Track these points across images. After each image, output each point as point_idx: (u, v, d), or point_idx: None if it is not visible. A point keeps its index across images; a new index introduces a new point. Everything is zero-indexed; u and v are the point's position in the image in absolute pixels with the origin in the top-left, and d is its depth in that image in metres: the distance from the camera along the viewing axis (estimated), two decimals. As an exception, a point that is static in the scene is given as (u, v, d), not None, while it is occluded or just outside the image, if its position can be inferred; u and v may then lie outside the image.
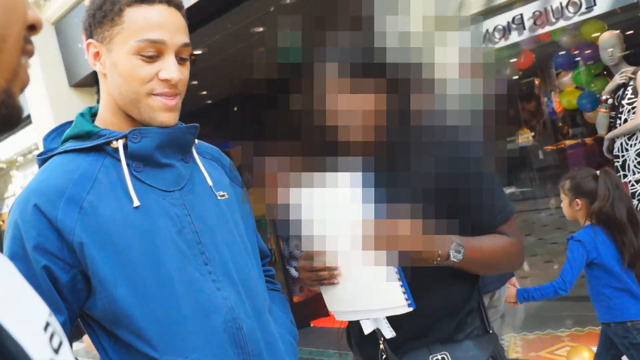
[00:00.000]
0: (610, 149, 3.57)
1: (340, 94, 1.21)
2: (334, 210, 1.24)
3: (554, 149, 9.26)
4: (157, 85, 1.20)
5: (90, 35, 1.26)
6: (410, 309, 1.24)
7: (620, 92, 3.52)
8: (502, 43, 4.38)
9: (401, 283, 1.23)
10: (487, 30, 4.53)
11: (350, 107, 1.21)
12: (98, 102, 5.04)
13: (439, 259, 1.24)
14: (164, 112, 1.22)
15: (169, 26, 1.20)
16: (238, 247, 1.32)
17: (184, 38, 1.23)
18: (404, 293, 1.23)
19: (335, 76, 1.20)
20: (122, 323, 1.17)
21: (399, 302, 1.24)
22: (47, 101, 5.96)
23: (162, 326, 1.17)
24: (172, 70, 1.20)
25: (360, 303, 1.31)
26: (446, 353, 1.33)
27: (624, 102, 3.44)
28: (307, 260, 1.33)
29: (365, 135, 1.23)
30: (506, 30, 4.19)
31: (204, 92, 7.63)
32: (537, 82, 9.77)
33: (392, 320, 1.32)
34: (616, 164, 3.53)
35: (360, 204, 1.20)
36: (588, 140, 7.99)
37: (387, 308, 1.27)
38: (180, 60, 1.23)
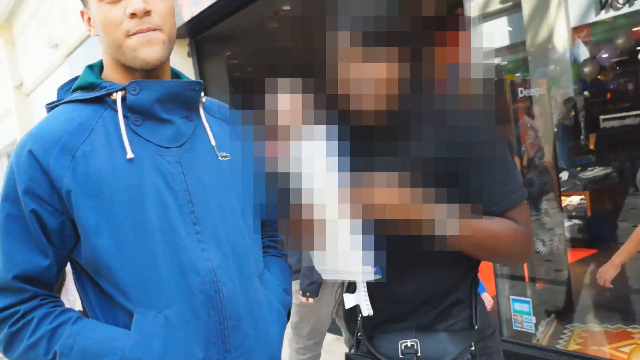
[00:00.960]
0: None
1: (352, 63, 1.16)
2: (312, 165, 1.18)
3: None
4: (130, 25, 1.19)
5: (82, 2, 1.29)
6: (378, 277, 1.21)
7: None
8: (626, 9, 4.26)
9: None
10: None
11: (363, 75, 1.16)
12: (188, 54, 5.19)
13: (422, 225, 1.16)
14: (142, 47, 1.20)
15: None
16: (233, 210, 1.31)
17: None
18: (373, 267, 1.20)
19: (347, 44, 1.15)
20: (102, 272, 1.20)
21: (366, 270, 1.21)
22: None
23: (138, 279, 1.19)
24: (133, 1, 1.17)
25: (334, 262, 1.28)
26: (416, 340, 1.30)
27: None
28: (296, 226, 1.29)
29: (377, 104, 1.19)
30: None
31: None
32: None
33: (374, 300, 1.29)
34: None
35: (335, 172, 1.15)
36: None
37: (356, 272, 1.24)
38: None
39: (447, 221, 1.16)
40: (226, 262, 1.26)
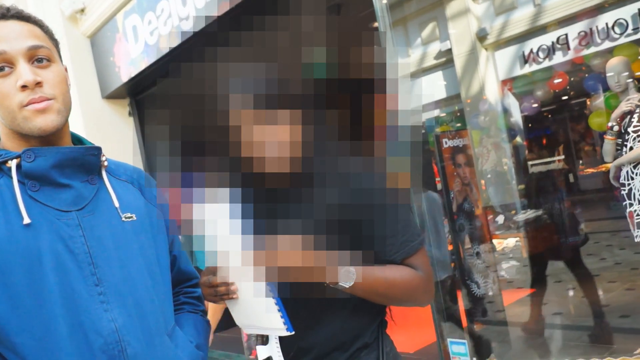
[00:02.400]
0: (617, 177, 3.58)
1: (255, 125, 1.20)
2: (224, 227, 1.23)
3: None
4: (22, 97, 1.21)
5: None
6: (289, 333, 1.25)
7: (627, 120, 3.43)
8: (546, 63, 4.58)
9: (281, 314, 1.23)
10: (530, 50, 4.79)
11: (266, 138, 1.20)
12: (129, 114, 5.21)
13: (326, 283, 1.22)
14: (36, 117, 1.22)
15: (7, 36, 1.22)
16: (139, 269, 1.31)
17: (31, 41, 1.23)
18: (281, 317, 1.23)
19: (250, 107, 1.19)
20: (0, 338, 1.19)
21: (276, 324, 1.25)
22: (79, 112, 6.12)
23: (38, 343, 1.18)
24: (23, 74, 1.21)
25: (250, 319, 1.32)
26: None
27: (630, 129, 3.40)
28: (207, 275, 1.33)
29: (280, 166, 1.23)
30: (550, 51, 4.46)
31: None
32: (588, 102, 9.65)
33: (286, 350, 1.32)
34: (622, 192, 3.53)
35: (239, 232, 1.19)
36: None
37: (270, 328, 1.28)
38: (39, 63, 1.24)
39: (341, 269, 1.21)
40: (131, 320, 1.25)
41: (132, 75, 5.69)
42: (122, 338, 1.23)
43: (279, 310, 1.23)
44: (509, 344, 4.22)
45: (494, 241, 4.47)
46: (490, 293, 4.10)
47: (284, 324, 1.23)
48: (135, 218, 1.36)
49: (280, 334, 1.26)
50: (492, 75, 5.35)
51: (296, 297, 1.24)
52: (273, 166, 1.23)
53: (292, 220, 1.21)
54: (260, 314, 1.26)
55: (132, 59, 5.66)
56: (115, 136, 6.10)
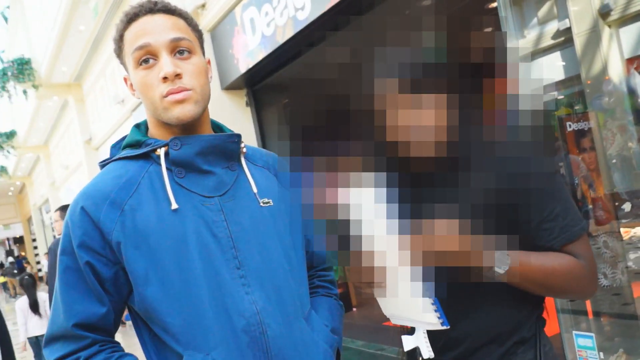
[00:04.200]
0: None
1: (400, 110, 1.18)
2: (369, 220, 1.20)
3: None
4: (162, 87, 1.27)
5: (125, 70, 1.39)
6: (445, 327, 1.20)
7: None
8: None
9: (437, 312, 1.19)
10: None
11: (411, 122, 1.18)
12: (246, 104, 5.40)
13: (478, 266, 1.16)
14: (174, 107, 1.27)
15: (152, 30, 1.28)
16: (277, 254, 1.35)
17: (173, 34, 1.29)
18: (436, 311, 1.19)
19: (395, 91, 1.17)
20: (153, 318, 1.27)
21: (430, 319, 1.21)
22: (201, 103, 6.34)
23: (186, 324, 1.24)
24: (164, 66, 1.26)
25: (400, 310, 1.29)
26: None
27: None
28: (356, 273, 1.28)
29: (425, 150, 1.20)
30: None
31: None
32: None
33: (435, 340, 1.28)
34: None
35: (385, 218, 1.16)
36: None
37: (423, 322, 1.24)
38: (180, 55, 1.30)
39: (496, 253, 1.15)
40: (270, 304, 1.30)
41: (250, 66, 5.86)
42: (262, 320, 1.27)
43: (436, 311, 1.19)
44: (638, 339, 4.01)
45: (621, 230, 4.24)
46: (618, 284, 3.91)
47: (439, 318, 1.19)
48: (272, 203, 1.40)
49: (435, 328, 1.22)
50: (615, 54, 5.04)
51: (451, 284, 1.20)
52: (420, 150, 1.21)
53: (448, 205, 1.16)
54: (413, 308, 1.23)
55: (249, 50, 5.83)
56: (234, 126, 6.26)
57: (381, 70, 1.17)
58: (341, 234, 1.20)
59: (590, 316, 3.84)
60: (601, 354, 3.61)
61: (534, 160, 1.20)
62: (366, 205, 1.18)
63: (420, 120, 1.18)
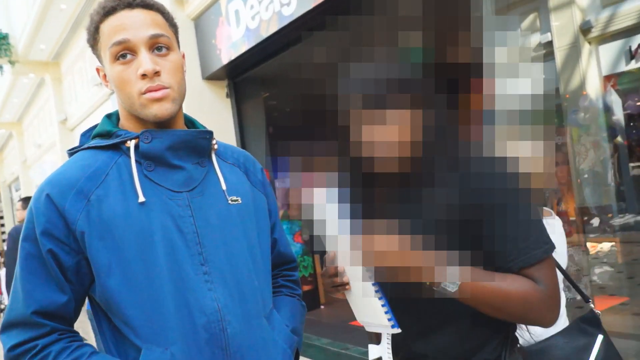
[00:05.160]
0: None
1: (364, 125, 1.16)
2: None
3: None
4: (141, 84, 1.27)
5: (99, 61, 1.38)
6: (395, 330, 1.21)
7: None
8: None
9: (382, 302, 1.21)
10: (638, 45, 4.56)
11: (376, 138, 1.16)
12: (227, 95, 5.38)
13: (427, 283, 1.13)
14: (153, 104, 1.28)
15: (131, 25, 1.28)
16: (241, 252, 1.36)
17: (152, 30, 1.29)
18: (386, 313, 1.21)
19: (359, 107, 1.16)
20: (113, 310, 1.26)
21: (383, 321, 1.23)
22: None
23: (147, 317, 1.24)
24: (143, 63, 1.26)
25: (365, 316, 1.30)
26: None
27: None
28: (326, 266, 1.32)
29: (388, 166, 1.19)
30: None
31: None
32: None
33: (397, 354, 1.29)
34: None
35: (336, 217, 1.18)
36: None
37: (376, 324, 1.26)
38: (158, 52, 1.30)
39: (445, 270, 1.12)
40: (232, 301, 1.30)
41: (232, 57, 5.84)
42: (223, 317, 1.28)
43: (383, 306, 1.21)
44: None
45: (588, 244, 4.32)
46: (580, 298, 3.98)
47: (389, 320, 1.21)
48: (240, 201, 1.40)
49: (388, 331, 1.24)
50: (594, 70, 5.12)
51: (402, 298, 1.19)
52: (382, 166, 1.20)
53: (389, 220, 1.14)
54: (371, 311, 1.25)
55: (233, 42, 5.80)
56: (213, 116, 6.30)
57: (347, 84, 1.17)
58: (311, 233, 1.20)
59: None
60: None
61: (496, 176, 1.16)
62: (330, 206, 1.20)
63: (383, 135, 1.16)
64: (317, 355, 5.35)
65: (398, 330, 1.21)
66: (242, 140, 6.43)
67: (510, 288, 1.15)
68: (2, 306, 11.05)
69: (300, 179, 1.27)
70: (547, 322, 1.19)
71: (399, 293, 1.20)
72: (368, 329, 1.35)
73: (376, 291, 1.21)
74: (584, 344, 1.44)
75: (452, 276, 1.12)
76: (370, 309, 1.25)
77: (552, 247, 1.19)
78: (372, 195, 1.27)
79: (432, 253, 1.11)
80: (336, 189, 1.20)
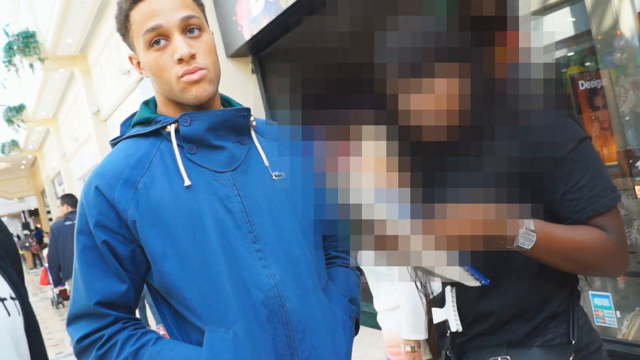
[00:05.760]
0: None
1: (401, 94, 1.14)
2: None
3: None
4: (178, 68, 1.27)
5: (130, 49, 1.37)
6: (485, 283, 1.16)
7: None
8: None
9: (476, 277, 1.15)
10: None
11: (421, 106, 1.14)
12: (252, 71, 5.32)
13: (502, 242, 1.09)
14: (191, 87, 1.28)
15: (162, 10, 1.26)
16: (291, 226, 1.36)
17: (183, 12, 1.28)
18: (477, 280, 1.16)
19: (395, 76, 1.14)
20: (172, 294, 1.28)
21: (473, 283, 1.18)
22: (206, 72, 6.32)
23: (206, 299, 1.26)
24: (178, 48, 1.26)
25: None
26: (507, 358, 1.23)
27: None
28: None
29: (439, 124, 1.16)
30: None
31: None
32: None
33: (464, 315, 1.27)
34: None
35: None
36: None
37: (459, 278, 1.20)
38: (191, 34, 1.29)
39: (520, 228, 1.09)
40: (288, 276, 1.31)
41: (254, 33, 5.78)
42: (281, 293, 1.29)
43: (472, 274, 1.15)
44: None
45: (636, 187, 4.20)
46: (634, 242, 3.88)
47: (477, 279, 1.15)
48: (284, 176, 1.40)
49: (473, 284, 1.18)
50: (627, 7, 4.92)
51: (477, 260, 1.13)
52: (431, 127, 1.17)
53: (470, 189, 1.09)
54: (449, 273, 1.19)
55: (253, 17, 5.74)
56: (240, 93, 6.28)
57: (385, 55, 1.14)
58: (353, 206, 1.15)
59: (606, 276, 3.82)
60: (617, 312, 3.61)
61: (557, 126, 1.14)
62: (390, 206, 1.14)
63: (432, 104, 1.14)
64: (368, 320, 5.36)
65: (487, 283, 1.16)
66: (271, 114, 6.40)
67: (584, 238, 1.14)
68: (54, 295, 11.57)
69: (336, 148, 1.22)
70: (618, 272, 1.21)
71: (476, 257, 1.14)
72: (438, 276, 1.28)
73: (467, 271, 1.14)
74: None
75: (528, 231, 1.09)
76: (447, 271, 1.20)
77: (619, 195, 1.18)
78: (430, 166, 1.23)
79: (505, 206, 1.07)
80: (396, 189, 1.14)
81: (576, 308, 1.28)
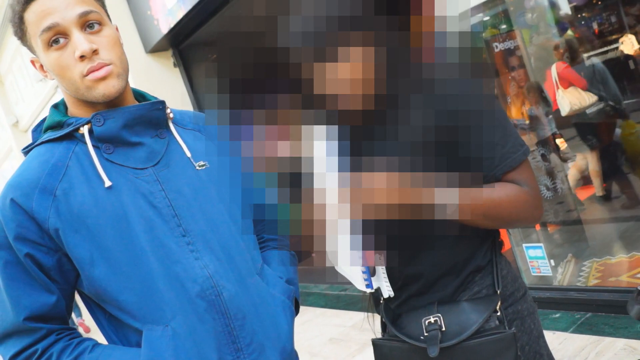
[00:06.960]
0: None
1: (305, 63, 1.15)
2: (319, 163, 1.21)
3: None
4: (81, 67, 1.22)
5: (31, 52, 1.32)
6: (370, 290, 1.26)
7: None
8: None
9: (364, 269, 1.23)
10: None
11: (331, 75, 1.15)
12: (174, 64, 5.23)
13: (427, 212, 1.14)
14: (98, 85, 1.23)
15: (56, 7, 1.21)
16: (220, 215, 1.34)
17: (79, 8, 1.22)
18: (365, 280, 1.25)
19: (299, 45, 1.14)
20: (105, 299, 1.25)
21: (360, 284, 1.26)
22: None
23: (140, 299, 1.23)
24: (78, 44, 1.21)
25: (343, 263, 1.31)
26: (439, 315, 1.26)
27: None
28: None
29: (353, 99, 1.18)
30: None
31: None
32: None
33: (395, 280, 1.30)
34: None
35: (334, 158, 1.17)
36: None
37: (356, 280, 1.29)
38: (90, 29, 1.24)
39: (447, 197, 1.13)
40: (222, 265, 1.30)
41: (172, 25, 5.68)
42: (216, 283, 1.27)
43: (363, 272, 1.24)
44: (584, 241, 4.20)
45: (557, 141, 4.39)
46: (560, 193, 4.06)
47: (365, 280, 1.24)
48: (208, 165, 1.38)
49: (361, 288, 1.28)
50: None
51: (400, 225, 1.17)
52: (345, 101, 1.18)
53: (388, 157, 1.13)
54: (350, 257, 1.26)
55: (168, 9, 5.64)
56: (165, 88, 6.18)
57: (296, 25, 1.14)
58: (291, 186, 1.18)
59: (538, 227, 3.98)
60: (552, 261, 3.77)
61: (468, 94, 1.17)
62: (318, 157, 1.18)
63: (342, 73, 1.15)
64: (318, 301, 5.43)
65: (371, 290, 1.26)
66: (199, 106, 6.33)
67: (500, 196, 1.19)
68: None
69: (264, 132, 1.24)
70: (536, 220, 1.26)
71: (387, 229, 1.19)
72: (346, 278, 1.36)
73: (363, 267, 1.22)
74: None
75: (452, 203, 1.14)
76: (348, 259, 1.27)
77: (528, 149, 1.23)
78: (353, 136, 1.25)
79: (431, 190, 1.12)
80: (333, 141, 1.17)
81: (499, 259, 1.33)
